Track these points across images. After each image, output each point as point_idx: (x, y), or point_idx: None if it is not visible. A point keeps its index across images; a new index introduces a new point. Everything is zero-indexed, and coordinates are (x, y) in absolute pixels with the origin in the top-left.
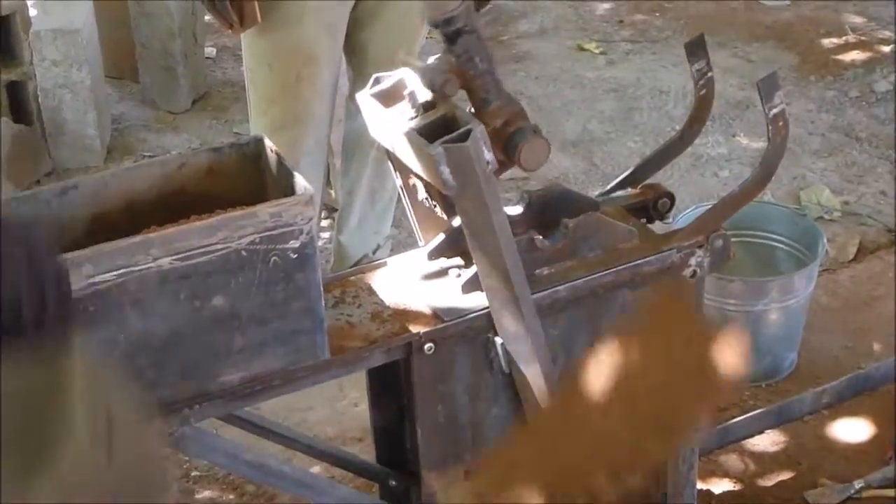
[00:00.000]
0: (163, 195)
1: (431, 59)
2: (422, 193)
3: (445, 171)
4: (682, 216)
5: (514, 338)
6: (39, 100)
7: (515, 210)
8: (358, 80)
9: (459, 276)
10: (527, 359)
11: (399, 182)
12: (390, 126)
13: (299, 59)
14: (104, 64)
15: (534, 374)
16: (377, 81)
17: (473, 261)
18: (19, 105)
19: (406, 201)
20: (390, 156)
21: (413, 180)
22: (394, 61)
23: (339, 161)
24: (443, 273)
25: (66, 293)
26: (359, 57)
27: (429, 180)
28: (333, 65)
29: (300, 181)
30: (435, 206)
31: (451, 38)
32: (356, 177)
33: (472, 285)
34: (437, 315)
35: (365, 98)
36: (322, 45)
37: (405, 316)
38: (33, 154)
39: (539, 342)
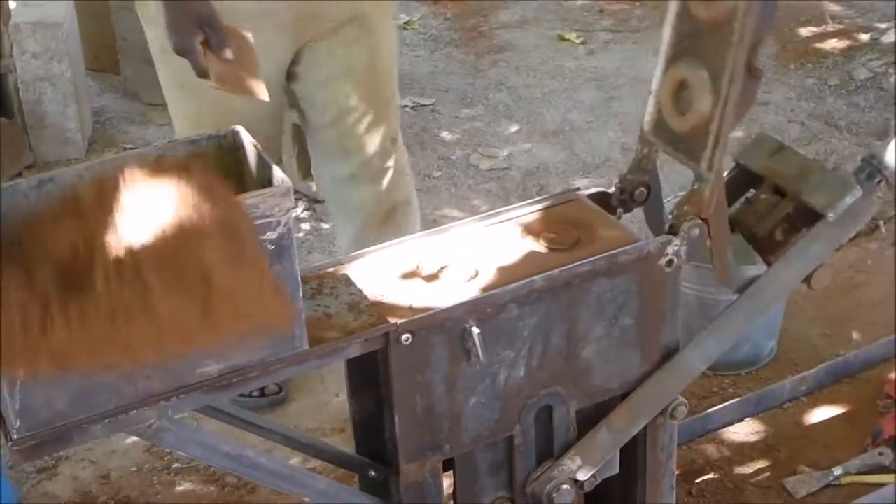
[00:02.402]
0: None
1: None
2: None
3: None
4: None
5: None
6: (20, 93)
7: None
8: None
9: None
10: None
11: None
12: None
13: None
14: (85, 56)
15: None
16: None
17: None
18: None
19: None
20: None
21: None
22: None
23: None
24: (419, 265)
25: None
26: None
27: None
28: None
29: (278, 173)
30: None
31: None
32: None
33: None
34: (414, 306)
35: None
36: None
37: (382, 307)
38: (14, 147)
39: None
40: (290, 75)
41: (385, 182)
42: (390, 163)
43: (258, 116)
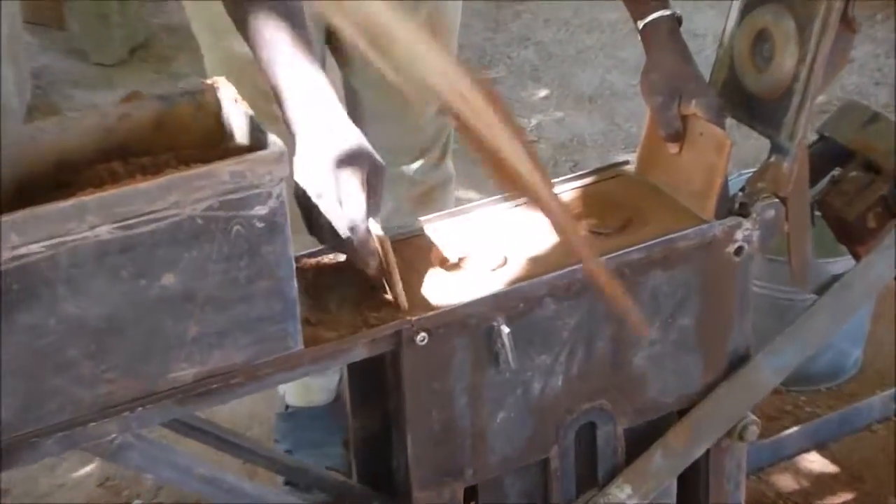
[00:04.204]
0: (101, 153)
1: None
2: None
3: None
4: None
5: None
6: None
7: None
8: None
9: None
10: None
11: None
12: None
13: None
14: (23, 8)
15: None
16: None
17: None
18: None
19: None
20: None
21: None
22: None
23: None
24: (437, 251)
25: None
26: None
27: None
28: None
29: (271, 136)
30: None
31: None
32: None
33: None
34: (431, 300)
35: None
36: None
37: (392, 301)
38: None
39: None
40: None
41: (430, 158)
42: (442, 139)
43: None
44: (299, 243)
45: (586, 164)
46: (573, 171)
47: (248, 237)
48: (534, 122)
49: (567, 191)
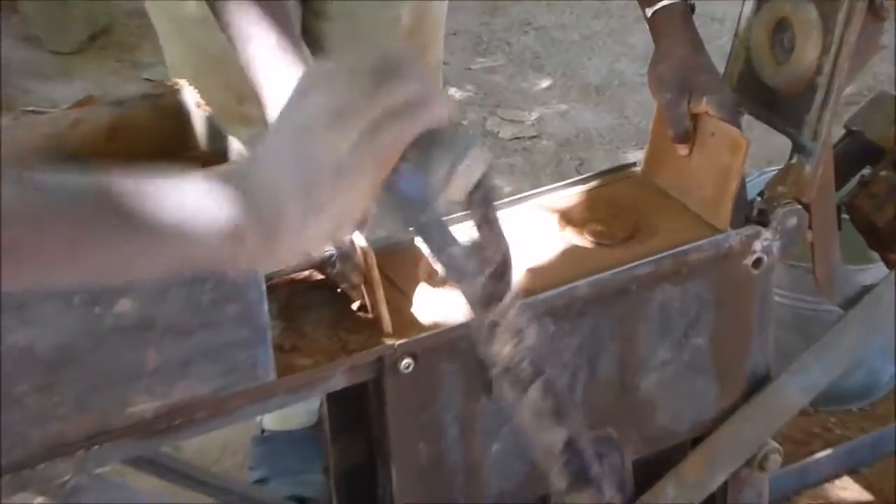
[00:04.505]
0: (51, 164)
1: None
2: None
3: None
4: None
5: None
6: None
7: None
8: None
9: None
10: None
11: None
12: None
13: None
14: None
15: None
16: None
17: None
18: None
19: None
20: None
21: None
22: None
23: None
24: (423, 266)
25: None
26: (317, 54)
27: None
28: None
29: (234, 143)
30: None
31: None
32: None
33: None
34: (418, 321)
35: None
36: None
37: (375, 322)
38: None
39: None
40: (315, 11)
41: None
42: None
43: None
44: None
45: (593, 163)
46: (579, 171)
47: None
48: (535, 115)
49: (570, 195)
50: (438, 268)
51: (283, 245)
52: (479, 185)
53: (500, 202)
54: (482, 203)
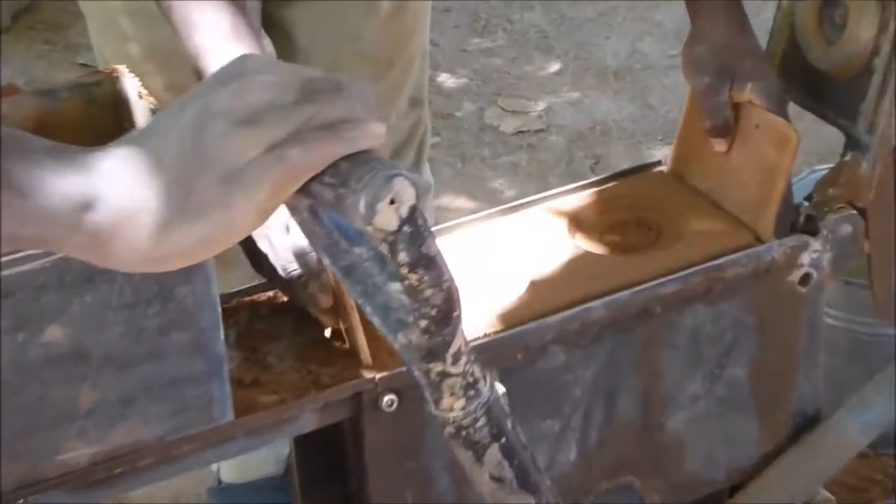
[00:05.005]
0: None
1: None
2: None
3: None
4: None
5: None
6: None
7: None
8: None
9: None
10: None
11: None
12: None
13: None
14: None
15: None
16: None
17: None
18: None
19: None
20: None
21: None
22: (337, 60)
23: None
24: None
25: None
26: (283, 43)
27: None
28: None
29: None
30: None
31: None
32: None
33: None
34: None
35: None
36: None
37: (351, 352)
38: None
39: None
40: None
41: (404, 162)
42: (417, 138)
43: None
44: (232, 279)
45: (611, 161)
46: (594, 171)
47: (158, 276)
48: (542, 105)
49: (584, 198)
50: (371, 319)
51: (135, 235)
52: (409, 218)
53: (508, 210)
54: (413, 239)
